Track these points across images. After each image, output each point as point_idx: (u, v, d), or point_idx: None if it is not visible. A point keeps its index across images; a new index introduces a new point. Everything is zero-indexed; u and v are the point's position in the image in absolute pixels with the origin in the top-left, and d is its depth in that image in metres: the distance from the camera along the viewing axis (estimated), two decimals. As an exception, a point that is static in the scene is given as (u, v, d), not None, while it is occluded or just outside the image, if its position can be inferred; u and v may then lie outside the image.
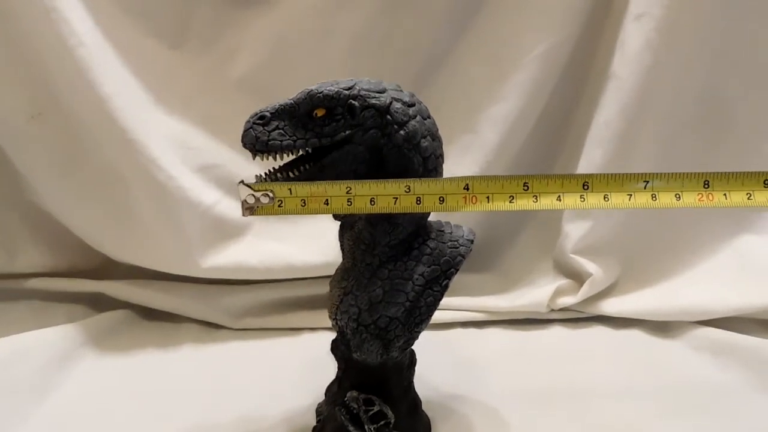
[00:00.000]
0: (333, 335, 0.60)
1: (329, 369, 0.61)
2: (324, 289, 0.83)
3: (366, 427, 0.56)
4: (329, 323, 0.60)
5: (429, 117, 0.52)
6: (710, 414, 0.64)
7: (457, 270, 0.55)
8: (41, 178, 0.83)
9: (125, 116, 0.76)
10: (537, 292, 0.84)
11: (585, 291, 0.82)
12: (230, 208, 0.84)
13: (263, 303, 0.86)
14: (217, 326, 0.85)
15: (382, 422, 0.57)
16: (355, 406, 0.57)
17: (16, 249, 0.88)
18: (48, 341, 0.76)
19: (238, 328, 0.84)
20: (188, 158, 0.82)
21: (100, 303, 0.87)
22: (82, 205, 0.83)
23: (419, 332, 0.55)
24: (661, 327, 0.80)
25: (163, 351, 0.79)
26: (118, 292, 0.87)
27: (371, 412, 0.56)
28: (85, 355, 0.77)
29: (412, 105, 0.51)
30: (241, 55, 0.85)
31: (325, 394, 0.62)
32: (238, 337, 0.83)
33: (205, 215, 0.81)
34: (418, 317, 0.54)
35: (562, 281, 0.85)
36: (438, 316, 0.82)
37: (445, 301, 0.83)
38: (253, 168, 0.89)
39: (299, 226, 0.86)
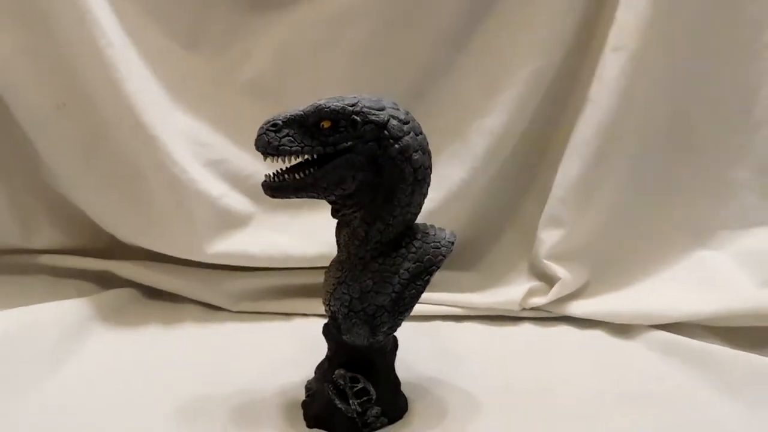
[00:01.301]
0: (323, 321, 0.66)
1: (319, 351, 0.67)
2: (317, 279, 0.90)
3: (351, 401, 0.63)
4: (321, 310, 0.66)
5: (421, 133, 0.59)
6: (658, 405, 0.70)
7: (438, 267, 0.62)
8: (61, 164, 0.89)
9: (146, 113, 0.82)
10: (511, 292, 0.90)
11: (554, 293, 0.89)
12: (236, 200, 0.90)
13: (261, 289, 0.92)
14: (217, 308, 0.91)
15: (365, 398, 0.63)
16: (342, 382, 0.64)
17: (31, 226, 0.94)
18: (59, 314, 0.81)
19: (236, 310, 0.90)
20: (199, 153, 0.89)
21: (107, 281, 0.93)
22: (98, 192, 0.89)
23: (402, 320, 0.62)
24: (621, 329, 0.86)
25: (165, 328, 0.85)
26: (125, 272, 0.93)
27: (356, 389, 0.63)
28: (93, 328, 0.82)
29: (406, 122, 0.58)
30: (251, 59, 0.91)
31: (315, 372, 0.69)
32: (236, 318, 0.89)
33: (212, 206, 0.88)
34: (402, 306, 0.61)
35: (535, 283, 0.91)
36: (420, 308, 0.89)
37: (427, 295, 0.91)
38: (258, 164, 0.97)
39: (298, 221, 0.93)
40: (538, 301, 0.90)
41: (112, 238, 0.95)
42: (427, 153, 0.60)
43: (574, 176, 0.89)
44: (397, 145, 0.57)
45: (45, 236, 0.95)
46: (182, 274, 0.92)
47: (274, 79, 0.90)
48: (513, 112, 0.90)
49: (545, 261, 0.91)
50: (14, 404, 0.66)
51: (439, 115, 0.89)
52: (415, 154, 0.58)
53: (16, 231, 0.93)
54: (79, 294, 0.88)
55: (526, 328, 0.90)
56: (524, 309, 0.91)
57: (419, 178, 0.59)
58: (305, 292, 0.91)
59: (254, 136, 0.57)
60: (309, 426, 0.66)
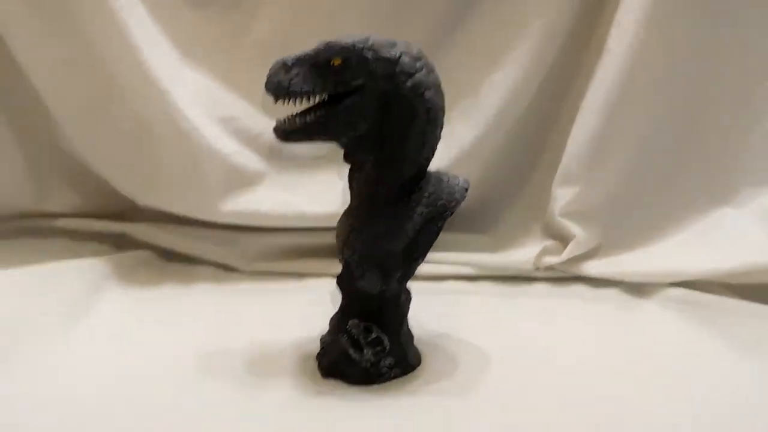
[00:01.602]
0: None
1: (332, 308, 0.68)
2: (331, 239, 0.90)
3: (364, 350, 0.63)
4: (335, 271, 0.66)
5: (434, 71, 0.58)
6: (673, 362, 0.69)
7: (452, 213, 0.61)
8: (73, 123, 0.89)
9: (155, 68, 0.82)
10: (524, 251, 0.90)
11: (569, 252, 0.87)
12: (247, 158, 0.90)
13: (275, 249, 0.92)
14: (231, 269, 0.91)
15: (379, 348, 0.63)
16: (356, 332, 0.64)
17: (47, 190, 0.94)
18: (76, 272, 0.82)
19: (250, 270, 0.90)
20: (210, 110, 0.88)
21: (124, 243, 0.94)
22: (110, 150, 0.90)
23: (415, 267, 0.62)
24: (637, 288, 0.85)
25: (181, 288, 0.86)
26: (140, 234, 0.93)
27: (370, 338, 0.63)
28: (109, 287, 0.83)
29: (419, 59, 0.57)
30: (261, 16, 0.90)
31: (329, 324, 0.69)
32: (251, 278, 0.89)
33: (224, 164, 0.87)
34: (415, 253, 0.60)
35: (549, 242, 0.90)
36: (433, 269, 0.90)
37: (441, 255, 0.92)
38: (269, 122, 0.96)
39: (311, 179, 0.92)
40: (551, 260, 0.89)
41: (128, 201, 0.95)
42: (440, 93, 0.58)
43: (590, 131, 0.87)
44: (409, 82, 0.55)
45: (61, 199, 0.95)
46: (197, 235, 0.92)
47: (285, 36, 0.89)
48: (527, 66, 0.88)
49: (559, 219, 0.89)
50: (31, 359, 0.67)
51: (450, 71, 0.85)
52: (427, 91, 0.56)
53: (33, 194, 0.94)
54: (96, 255, 0.89)
55: (540, 288, 0.89)
56: (538, 269, 0.90)
57: (432, 117, 0.57)
58: (319, 252, 0.91)
59: (267, 94, 0.56)
60: (323, 376, 0.66)
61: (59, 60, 0.85)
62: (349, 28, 0.88)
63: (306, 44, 0.57)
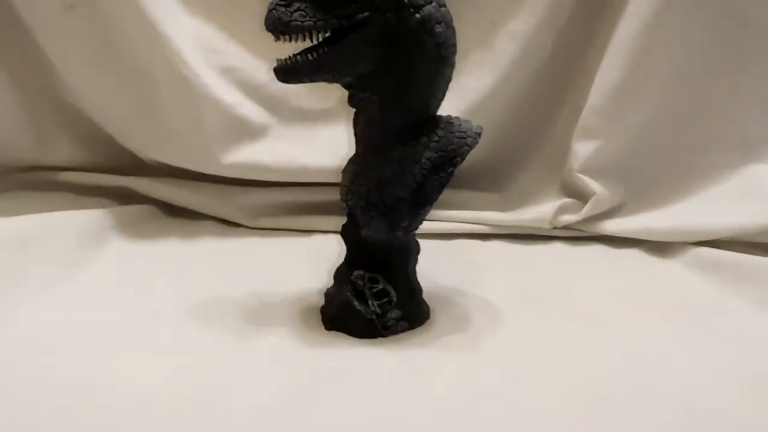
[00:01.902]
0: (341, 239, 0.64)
1: (337, 264, 0.66)
2: (335, 196, 0.87)
3: (370, 302, 0.61)
4: (339, 227, 0.64)
5: (444, 5, 0.54)
6: (696, 321, 0.66)
7: (463, 159, 0.58)
8: (74, 72, 0.87)
9: (155, 14, 0.79)
10: (541, 209, 0.86)
11: (588, 209, 0.84)
12: (250, 109, 0.87)
13: (278, 205, 0.90)
14: (235, 224, 0.90)
15: (385, 299, 0.61)
16: (361, 283, 0.61)
17: (49, 142, 0.93)
18: (78, 222, 0.81)
19: (253, 226, 0.89)
20: (212, 60, 0.85)
21: (127, 197, 0.93)
22: (111, 101, 0.88)
23: (424, 215, 0.58)
24: (660, 247, 0.82)
25: (184, 242, 0.85)
26: (144, 188, 0.92)
27: (375, 290, 0.61)
28: (111, 238, 0.82)
29: (428, -10, 0.52)
30: None
31: (334, 277, 0.67)
32: (254, 234, 0.88)
33: (226, 114, 0.85)
34: (423, 199, 0.57)
35: (567, 200, 0.87)
36: (444, 226, 0.87)
37: (452, 213, 0.88)
38: (272, 74, 0.91)
39: (314, 131, 0.89)
40: (570, 218, 0.86)
41: (131, 155, 0.94)
42: (451, 28, 0.54)
43: (612, 83, 0.83)
44: (417, 15, 0.51)
45: (64, 153, 0.94)
46: (200, 190, 0.91)
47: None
48: (545, 14, 0.83)
49: (579, 175, 0.86)
50: (30, 305, 0.66)
51: (461, 19, 0.81)
52: (437, 26, 0.52)
53: (35, 147, 0.93)
54: (99, 208, 0.88)
55: (557, 246, 0.86)
56: (555, 227, 0.87)
57: (443, 54, 0.54)
58: (323, 209, 0.89)
59: (269, 43, 0.52)
60: (327, 329, 0.64)
61: (58, 6, 0.82)
62: None
63: None
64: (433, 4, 0.52)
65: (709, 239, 0.80)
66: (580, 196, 0.87)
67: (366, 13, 0.52)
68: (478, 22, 0.85)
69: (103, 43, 0.84)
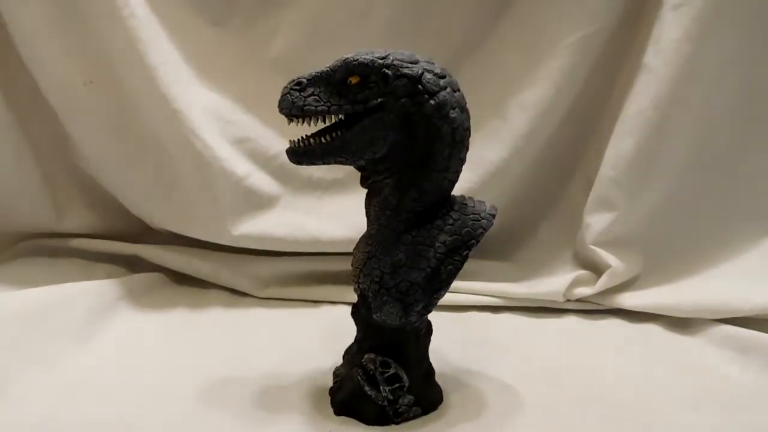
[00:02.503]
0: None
1: (347, 338, 0.64)
2: (345, 266, 0.86)
3: (381, 388, 0.58)
4: (350, 298, 0.62)
5: (458, 90, 0.54)
6: (723, 406, 0.63)
7: (477, 242, 0.57)
8: (90, 142, 0.88)
9: (170, 86, 0.81)
10: (554, 281, 0.84)
11: (603, 282, 0.82)
12: (261, 180, 0.88)
13: (288, 275, 0.89)
14: (244, 294, 0.89)
15: (397, 385, 0.59)
16: (372, 367, 0.59)
17: (64, 210, 0.95)
18: (89, 292, 0.81)
19: (262, 296, 0.88)
20: (224, 131, 0.87)
21: (136, 265, 0.93)
22: (125, 172, 0.89)
23: (438, 299, 0.57)
24: (681, 323, 0.79)
25: (192, 312, 0.84)
26: (153, 256, 0.92)
27: (387, 374, 0.59)
28: (121, 308, 0.82)
29: (443, 77, 0.53)
30: (279, 35, 0.89)
31: (343, 357, 0.65)
32: (263, 304, 0.86)
33: (237, 186, 0.85)
34: (437, 284, 0.56)
35: (581, 272, 0.85)
36: (454, 298, 0.85)
37: (462, 285, 0.87)
38: (285, 143, 0.93)
39: (325, 202, 0.90)
40: (584, 291, 0.84)
41: (141, 223, 0.94)
42: (465, 112, 0.55)
43: (626, 154, 0.82)
44: (432, 101, 0.52)
45: (77, 220, 0.95)
46: (209, 259, 0.90)
47: (303, 56, 0.88)
48: (558, 85, 0.84)
49: (592, 247, 0.84)
50: (42, 376, 0.66)
51: (476, 90, 0.82)
52: (452, 111, 0.53)
53: (49, 214, 0.94)
54: (109, 276, 0.88)
55: (572, 320, 0.84)
56: (569, 300, 0.85)
57: (457, 138, 0.54)
58: (333, 279, 0.88)
59: (280, 115, 0.53)
60: (337, 413, 0.61)
61: (77, 79, 0.85)
62: (368, 47, 0.87)
63: (322, 65, 0.54)
64: (448, 90, 0.53)
65: (732, 317, 0.77)
66: (595, 268, 0.85)
67: (380, 99, 0.52)
68: (492, 94, 0.86)
69: (118, 115, 0.86)
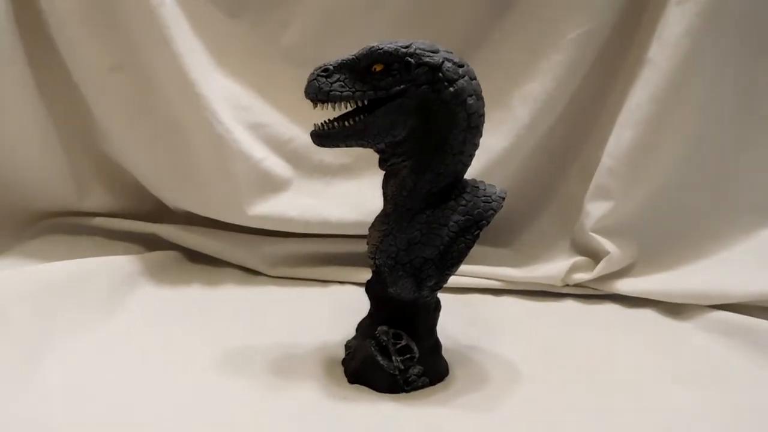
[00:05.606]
0: (360, 289, 0.65)
1: (357, 315, 0.67)
2: (354, 247, 0.90)
3: (393, 358, 0.62)
4: (357, 278, 0.65)
5: (475, 79, 0.58)
6: (713, 388, 0.65)
7: (488, 222, 0.61)
8: (114, 126, 0.91)
9: (193, 72, 0.83)
10: (553, 267, 0.87)
11: (601, 268, 0.85)
12: (275, 164, 0.91)
13: (299, 255, 0.92)
14: (255, 272, 0.92)
15: (408, 355, 0.62)
16: (385, 338, 0.63)
17: (86, 190, 0.97)
18: (108, 267, 0.83)
19: (273, 275, 0.91)
20: (241, 116, 0.89)
21: (153, 243, 0.95)
22: (146, 154, 0.91)
23: (449, 275, 0.60)
24: (674, 308, 0.82)
25: (207, 288, 0.87)
26: (170, 235, 0.95)
27: (399, 345, 0.62)
28: (139, 284, 0.85)
29: (461, 66, 0.56)
30: (292, 26, 0.91)
31: (356, 330, 0.68)
32: (274, 282, 0.90)
33: (255, 168, 0.88)
34: (449, 261, 0.59)
35: (579, 258, 0.88)
36: (457, 281, 0.88)
37: (465, 268, 0.89)
38: (297, 129, 0.96)
39: (334, 186, 0.93)
40: (582, 277, 0.87)
41: (159, 203, 0.97)
42: (481, 99, 0.58)
43: (626, 144, 0.85)
44: (451, 89, 0.55)
45: (97, 199, 0.97)
46: (224, 239, 0.93)
47: (315, 46, 0.90)
48: (560, 78, 0.86)
49: (591, 234, 0.87)
50: (62, 353, 0.68)
51: (480, 82, 0.87)
52: (469, 98, 0.56)
53: (71, 194, 0.97)
54: (127, 253, 0.91)
55: (569, 304, 0.87)
56: (567, 285, 0.87)
57: (473, 124, 0.57)
58: (342, 260, 0.91)
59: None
60: (350, 382, 0.65)
61: (104, 64, 0.87)
62: (379, 38, 0.90)
63: (336, 54, 0.57)
64: (466, 78, 0.56)
65: (724, 303, 0.80)
66: (593, 254, 0.88)
67: (402, 86, 0.55)
68: (496, 85, 0.88)
69: (142, 99, 0.89)
